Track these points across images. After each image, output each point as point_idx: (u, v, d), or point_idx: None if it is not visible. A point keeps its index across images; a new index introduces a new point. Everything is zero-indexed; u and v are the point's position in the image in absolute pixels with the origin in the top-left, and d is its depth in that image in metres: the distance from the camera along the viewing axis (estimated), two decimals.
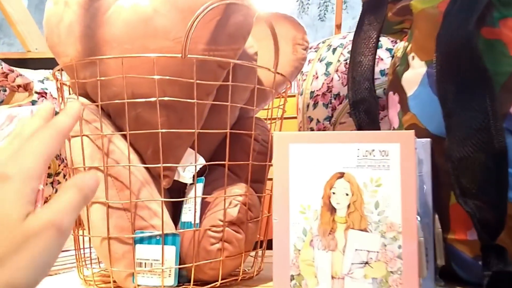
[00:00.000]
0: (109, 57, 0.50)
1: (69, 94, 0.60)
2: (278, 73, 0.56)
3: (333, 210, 0.46)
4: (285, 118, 0.89)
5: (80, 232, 0.58)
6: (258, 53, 0.65)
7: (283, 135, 0.48)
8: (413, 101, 0.57)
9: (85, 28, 0.52)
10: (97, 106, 0.52)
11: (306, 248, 0.47)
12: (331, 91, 0.83)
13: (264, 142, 0.64)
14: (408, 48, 0.59)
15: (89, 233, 0.53)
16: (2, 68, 0.78)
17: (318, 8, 3.11)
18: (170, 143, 0.54)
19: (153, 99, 0.49)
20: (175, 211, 0.58)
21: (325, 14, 3.09)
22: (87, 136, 0.53)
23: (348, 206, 0.46)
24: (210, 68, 0.53)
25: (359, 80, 0.64)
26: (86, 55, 0.52)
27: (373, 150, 0.47)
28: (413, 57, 0.58)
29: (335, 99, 0.83)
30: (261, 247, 0.61)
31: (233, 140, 0.61)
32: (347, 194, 0.46)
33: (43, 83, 0.99)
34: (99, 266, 0.60)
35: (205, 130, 0.53)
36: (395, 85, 0.61)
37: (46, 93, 0.96)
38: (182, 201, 0.57)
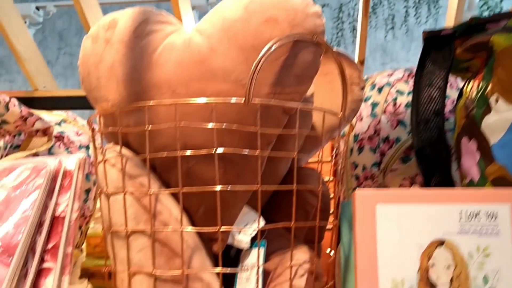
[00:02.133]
0: (162, 103, 0.43)
1: (101, 143, 0.53)
2: (344, 118, 0.49)
3: (432, 286, 0.39)
4: (323, 162, 0.81)
5: None
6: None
7: (369, 194, 0.40)
8: (499, 150, 0.50)
9: (130, 69, 0.45)
10: (144, 159, 0.44)
11: None
12: (379, 134, 0.76)
13: (323, 196, 0.56)
14: (488, 89, 0.53)
15: None
16: (21, 111, 0.71)
17: (330, 43, 3.09)
18: (225, 202, 0.46)
19: (216, 149, 0.42)
20: (224, 281, 0.50)
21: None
22: (131, 193, 0.45)
23: (451, 281, 0.38)
24: (274, 114, 0.46)
25: (426, 124, 0.57)
26: (131, 100, 0.45)
27: (479, 212, 0.39)
28: (496, 100, 0.51)
29: (384, 143, 0.76)
30: None
31: (287, 194, 0.54)
32: (449, 267, 0.39)
33: (60, 125, 0.92)
34: None
35: (266, 185, 0.46)
36: (471, 130, 0.54)
37: (63, 137, 0.89)
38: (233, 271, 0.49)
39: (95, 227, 1.14)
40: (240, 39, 0.44)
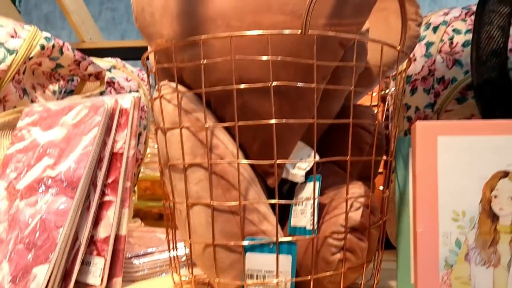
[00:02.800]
0: (217, 36, 0.42)
1: (155, 80, 0.53)
2: (403, 52, 0.48)
3: (494, 217, 0.38)
4: (373, 106, 0.79)
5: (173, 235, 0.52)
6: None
7: (430, 126, 0.39)
8: None
9: (184, 4, 0.45)
10: (200, 93, 0.44)
11: (461, 263, 0.38)
12: (433, 75, 0.74)
13: (378, 133, 0.56)
14: None
15: (189, 238, 0.47)
16: (74, 55, 0.72)
17: None
18: (280, 136, 0.46)
19: (272, 83, 0.41)
20: (279, 214, 0.51)
21: None
22: (187, 128, 0.46)
23: None
24: (331, 47, 0.45)
25: (487, 59, 0.54)
26: (185, 35, 0.45)
27: None
28: None
29: (438, 83, 0.73)
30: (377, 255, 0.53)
31: (341, 131, 0.53)
32: None
33: (110, 71, 0.93)
34: (189, 271, 0.54)
35: (321, 120, 0.45)
36: None
37: (114, 82, 0.91)
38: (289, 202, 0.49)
39: (145, 172, 1.18)
40: None
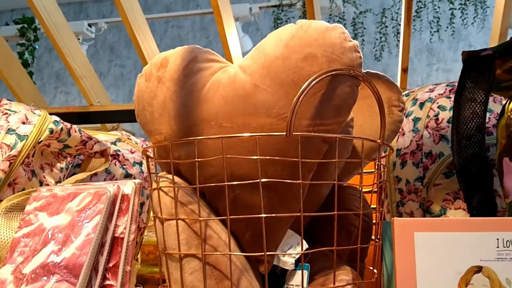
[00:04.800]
0: (209, 138, 0.46)
1: (155, 171, 0.57)
2: (385, 144, 0.51)
3: None
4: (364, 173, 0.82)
5: None
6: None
7: (407, 223, 0.42)
8: None
9: (181, 106, 0.49)
10: (195, 188, 0.48)
11: None
12: (421, 149, 0.77)
13: (365, 216, 0.58)
14: None
15: None
16: (81, 136, 0.77)
17: (374, 48, 3.07)
18: (270, 226, 0.49)
19: (260, 180, 0.45)
20: None
21: (381, 54, 3.03)
22: (182, 220, 0.49)
23: None
24: (314, 144, 0.48)
25: (467, 141, 0.58)
26: (182, 134, 0.49)
27: None
28: None
29: (426, 158, 0.76)
30: None
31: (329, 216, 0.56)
32: None
33: (116, 144, 0.98)
34: None
35: (307, 212, 0.48)
36: None
37: (119, 155, 0.95)
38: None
39: (148, 235, 1.20)
40: (281, 75, 0.47)
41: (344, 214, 0.58)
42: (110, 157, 0.85)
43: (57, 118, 0.75)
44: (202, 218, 0.48)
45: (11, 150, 0.67)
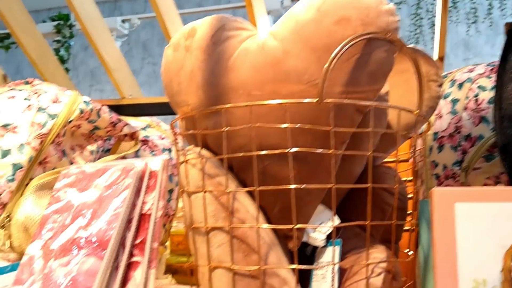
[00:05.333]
0: (238, 105, 0.45)
1: (182, 144, 0.56)
2: (423, 118, 0.49)
3: None
4: (400, 161, 0.79)
5: None
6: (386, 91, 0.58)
7: (448, 192, 0.39)
8: None
9: (209, 75, 0.48)
10: (222, 159, 0.46)
11: None
12: (460, 132, 0.73)
13: (400, 195, 0.56)
14: None
15: None
16: (111, 118, 0.76)
17: (408, 40, 2.99)
18: (300, 200, 0.47)
19: (290, 150, 0.43)
20: (300, 278, 0.51)
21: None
22: (210, 192, 0.48)
23: None
24: (347, 113, 0.46)
25: (510, 120, 0.54)
26: (210, 103, 0.48)
27: None
28: None
29: (465, 140, 0.73)
30: None
31: (363, 193, 0.53)
32: None
33: (145, 130, 0.98)
34: None
35: (339, 191, 0.46)
36: None
37: (148, 141, 0.94)
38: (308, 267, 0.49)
39: (177, 226, 1.19)
40: (312, 40, 0.45)
41: (378, 192, 0.55)
42: (139, 141, 0.85)
43: (87, 99, 0.75)
44: (230, 190, 0.46)
45: (42, 129, 0.68)
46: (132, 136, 0.83)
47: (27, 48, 1.78)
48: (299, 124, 0.44)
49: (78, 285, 0.52)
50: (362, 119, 0.49)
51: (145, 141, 0.94)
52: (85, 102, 0.74)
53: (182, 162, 0.51)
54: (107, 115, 0.76)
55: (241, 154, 0.45)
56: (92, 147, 0.82)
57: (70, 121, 0.71)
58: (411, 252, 0.51)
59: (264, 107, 0.45)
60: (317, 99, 0.43)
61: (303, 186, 0.44)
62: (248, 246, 0.46)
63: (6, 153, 0.65)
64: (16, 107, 0.70)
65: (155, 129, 1.01)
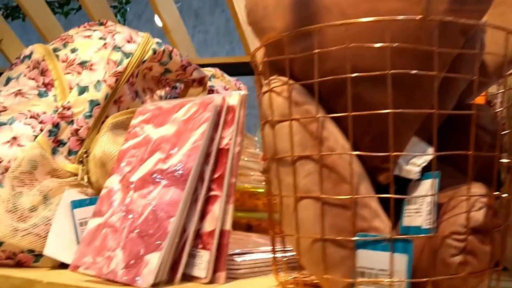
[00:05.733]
0: (333, 24, 0.42)
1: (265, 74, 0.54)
2: None
3: None
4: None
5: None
6: None
7: None
8: None
9: None
10: (309, 86, 0.44)
11: None
12: None
13: (494, 132, 0.52)
14: None
15: (297, 233, 0.46)
16: (182, 60, 0.76)
17: None
18: (394, 129, 0.44)
19: (389, 71, 0.40)
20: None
21: None
22: (297, 120, 0.46)
23: None
24: (451, 34, 0.42)
25: None
26: (299, 26, 0.45)
27: None
28: None
29: None
30: (496, 265, 0.48)
31: (456, 131, 0.50)
32: None
33: (210, 80, 0.97)
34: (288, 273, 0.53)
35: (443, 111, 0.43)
36: None
37: (213, 90, 0.93)
38: (400, 201, 0.47)
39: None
40: None
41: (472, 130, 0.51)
42: (207, 86, 0.84)
43: (159, 40, 0.74)
44: (320, 115, 0.44)
45: (117, 67, 0.68)
46: (201, 81, 0.82)
47: (91, 11, 1.82)
48: (400, 44, 0.40)
49: (159, 214, 0.52)
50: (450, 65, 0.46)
51: (210, 90, 0.93)
52: (157, 43, 0.73)
53: (265, 92, 0.49)
54: (178, 58, 0.75)
55: (334, 77, 0.42)
56: (161, 92, 0.82)
57: (144, 61, 0.71)
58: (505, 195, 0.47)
59: (360, 27, 0.42)
60: (420, 16, 0.39)
61: (403, 110, 0.41)
62: (338, 175, 0.44)
63: (83, 90, 0.66)
64: (92, 46, 0.70)
65: (219, 79, 0.99)
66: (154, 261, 0.49)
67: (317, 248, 0.44)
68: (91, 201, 0.62)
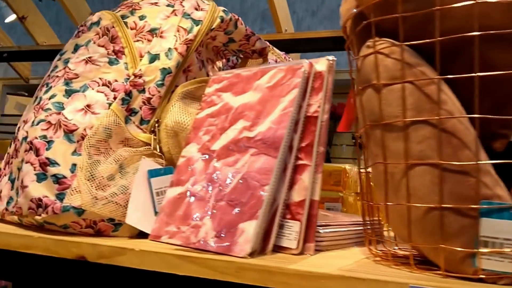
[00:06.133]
0: None
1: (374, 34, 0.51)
2: None
3: None
4: None
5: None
6: None
7: None
8: None
9: None
10: (419, 49, 0.42)
11: None
12: None
13: None
14: None
15: (407, 202, 0.44)
16: (246, 30, 0.73)
17: None
18: None
19: None
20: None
21: None
22: (410, 82, 0.43)
23: None
24: None
25: None
26: None
27: None
28: None
29: None
30: None
31: None
32: None
33: None
34: (383, 245, 0.51)
35: None
36: None
37: (269, 63, 0.91)
38: (510, 169, 0.44)
39: None
40: None
41: None
42: (268, 58, 0.81)
43: (225, 9, 0.71)
44: (439, 77, 0.41)
45: (188, 34, 0.65)
46: (262, 52, 0.80)
47: None
48: None
49: (251, 182, 0.50)
50: None
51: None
52: (224, 11, 0.70)
53: (369, 54, 0.46)
54: (243, 27, 0.73)
55: (459, 35, 0.40)
56: (219, 64, 0.79)
57: (212, 29, 0.68)
58: None
59: None
60: None
61: None
62: (459, 141, 0.41)
63: (154, 58, 0.63)
64: (160, 13, 0.67)
65: (269, 52, 0.97)
66: (250, 229, 0.47)
67: (433, 217, 0.42)
68: (166, 171, 0.60)
